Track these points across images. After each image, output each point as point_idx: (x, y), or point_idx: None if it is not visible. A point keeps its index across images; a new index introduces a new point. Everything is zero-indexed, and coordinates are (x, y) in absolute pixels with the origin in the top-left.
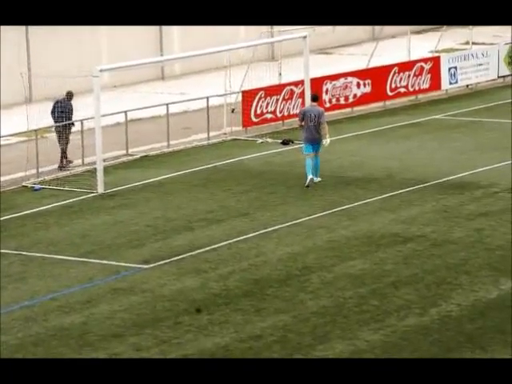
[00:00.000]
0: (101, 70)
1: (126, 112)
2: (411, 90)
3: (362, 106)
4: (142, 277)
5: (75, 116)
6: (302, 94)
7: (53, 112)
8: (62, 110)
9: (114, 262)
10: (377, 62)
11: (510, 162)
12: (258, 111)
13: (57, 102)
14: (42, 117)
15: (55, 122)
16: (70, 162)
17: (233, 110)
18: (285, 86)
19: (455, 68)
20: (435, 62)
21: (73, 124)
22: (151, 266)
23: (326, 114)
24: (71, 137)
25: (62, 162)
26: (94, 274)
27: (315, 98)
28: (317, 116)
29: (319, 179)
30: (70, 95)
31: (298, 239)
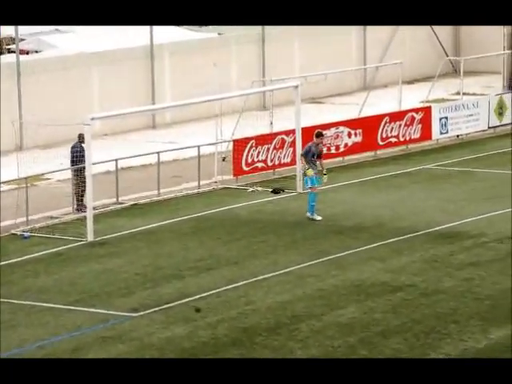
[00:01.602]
0: (92, 119)
1: (116, 160)
2: (402, 139)
3: (353, 156)
4: (131, 325)
5: (66, 164)
6: (293, 144)
7: (72, 159)
8: (77, 155)
9: (102, 310)
10: (368, 112)
11: (499, 211)
12: (249, 160)
13: (73, 148)
14: (32, 165)
15: (72, 165)
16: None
17: (224, 159)
18: (276, 135)
19: (446, 118)
20: (426, 112)
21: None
22: (140, 314)
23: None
24: (62, 184)
25: (78, 204)
26: (82, 322)
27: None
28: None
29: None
30: (81, 138)
31: (287, 288)
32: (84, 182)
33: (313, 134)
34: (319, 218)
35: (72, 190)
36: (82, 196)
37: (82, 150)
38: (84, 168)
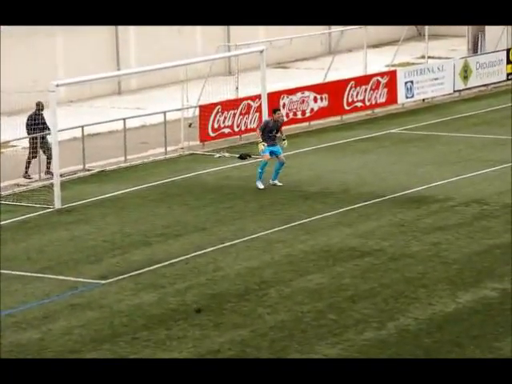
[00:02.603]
0: (57, 85)
1: (82, 127)
2: (368, 104)
3: (319, 120)
4: (100, 292)
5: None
6: (259, 108)
7: (27, 127)
8: (34, 123)
9: (71, 278)
10: (334, 76)
11: (465, 175)
12: (216, 126)
13: (30, 116)
14: None
15: (30, 134)
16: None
17: (190, 125)
18: (242, 100)
19: (411, 82)
20: (391, 76)
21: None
22: (109, 281)
23: (283, 128)
24: (26, 151)
25: (48, 168)
26: (51, 289)
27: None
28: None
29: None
30: (39, 106)
31: (255, 254)
32: (49, 149)
33: (278, 98)
34: (261, 186)
35: (28, 157)
36: (49, 163)
37: (42, 117)
38: (45, 135)
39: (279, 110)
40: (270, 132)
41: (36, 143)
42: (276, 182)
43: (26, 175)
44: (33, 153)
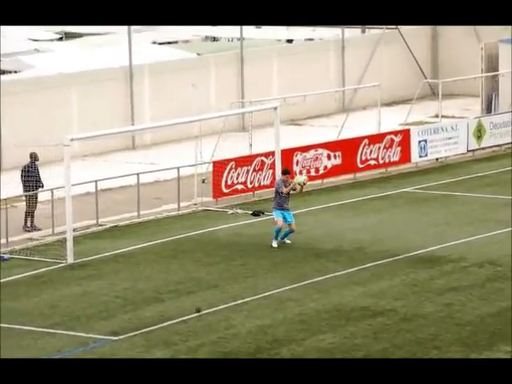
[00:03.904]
0: (71, 139)
1: (96, 181)
2: (381, 162)
3: (332, 178)
4: (111, 348)
5: (46, 185)
6: (272, 165)
7: (21, 178)
8: (28, 175)
9: (82, 334)
10: (347, 134)
11: (479, 236)
12: (229, 182)
13: (24, 167)
14: (11, 186)
15: (24, 187)
16: (36, 228)
17: (203, 181)
18: (255, 156)
19: (425, 141)
20: (405, 134)
21: (41, 186)
22: (120, 337)
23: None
24: (42, 205)
25: (26, 223)
26: (62, 345)
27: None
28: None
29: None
30: (33, 157)
31: (267, 312)
32: (35, 202)
33: (292, 155)
34: (275, 245)
35: (26, 209)
36: (32, 215)
37: (35, 169)
38: (36, 187)
39: (289, 172)
40: (281, 192)
41: (32, 196)
42: (285, 240)
43: (26, 228)
44: (29, 206)
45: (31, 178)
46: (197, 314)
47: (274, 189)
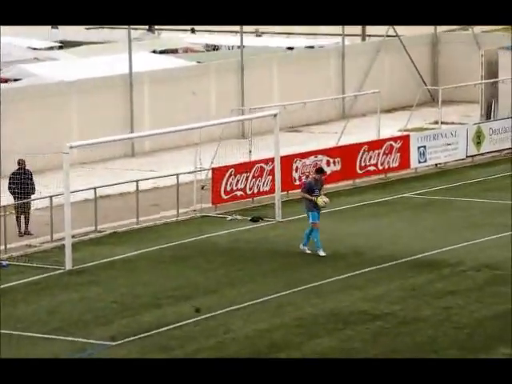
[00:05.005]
0: (71, 147)
1: (95, 188)
2: (381, 168)
3: (331, 184)
4: (109, 354)
5: (46, 192)
6: (271, 172)
7: (8, 185)
8: (16, 181)
9: (80, 339)
10: (347, 140)
11: (477, 240)
12: (228, 188)
13: (12, 174)
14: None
15: (13, 194)
16: (30, 233)
17: (203, 187)
18: (255, 163)
19: (424, 147)
20: (405, 140)
21: (33, 192)
22: (118, 342)
23: (295, 191)
24: (41, 212)
25: (19, 229)
26: (60, 351)
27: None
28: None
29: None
30: (20, 163)
31: (265, 316)
32: (29, 208)
33: (291, 162)
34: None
35: (16, 215)
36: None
37: (26, 175)
38: (28, 194)
39: (324, 171)
40: (313, 192)
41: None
42: (306, 248)
43: (20, 233)
44: (19, 211)
45: (19, 184)
46: (195, 319)
47: (275, 195)
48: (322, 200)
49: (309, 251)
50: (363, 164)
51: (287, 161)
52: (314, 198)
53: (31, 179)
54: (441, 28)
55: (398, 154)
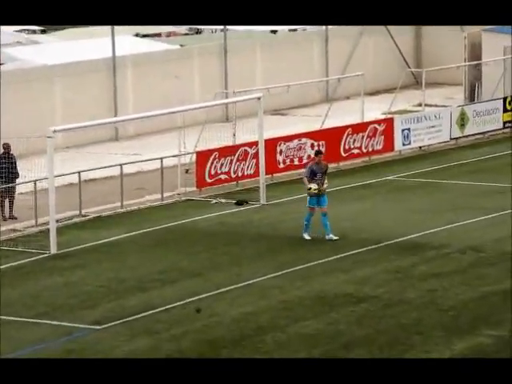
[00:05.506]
0: (54, 131)
1: (79, 172)
2: (365, 151)
3: None
4: (95, 338)
5: (30, 177)
6: (256, 155)
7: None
8: (1, 166)
9: (66, 323)
10: (331, 123)
11: (461, 222)
12: (212, 172)
13: None
14: None
15: None
16: (14, 217)
17: (187, 171)
18: (239, 146)
19: (408, 130)
20: (388, 123)
21: (17, 176)
22: (104, 326)
23: (279, 174)
24: (25, 196)
25: (3, 213)
26: (46, 335)
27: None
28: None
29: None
30: (6, 148)
31: (251, 299)
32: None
33: (275, 145)
34: (308, 237)
35: (0, 200)
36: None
37: (9, 159)
38: (12, 179)
39: (321, 152)
40: (315, 176)
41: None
42: (332, 236)
43: (4, 217)
44: (3, 196)
45: (3, 168)
46: (180, 302)
47: (259, 178)
48: (313, 189)
49: (335, 237)
50: (347, 147)
51: (271, 144)
52: (307, 186)
53: (15, 163)
54: None
55: (382, 137)
